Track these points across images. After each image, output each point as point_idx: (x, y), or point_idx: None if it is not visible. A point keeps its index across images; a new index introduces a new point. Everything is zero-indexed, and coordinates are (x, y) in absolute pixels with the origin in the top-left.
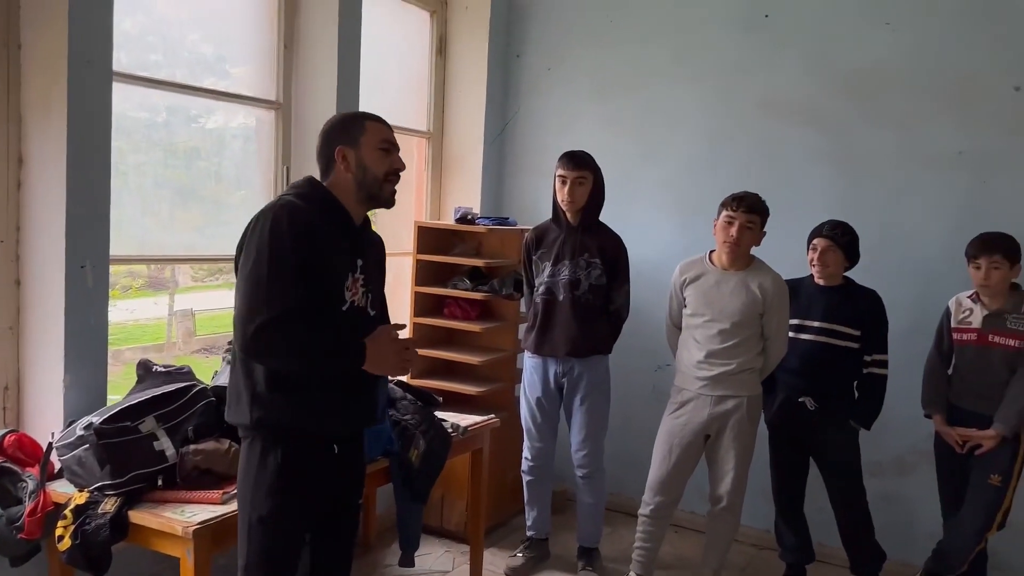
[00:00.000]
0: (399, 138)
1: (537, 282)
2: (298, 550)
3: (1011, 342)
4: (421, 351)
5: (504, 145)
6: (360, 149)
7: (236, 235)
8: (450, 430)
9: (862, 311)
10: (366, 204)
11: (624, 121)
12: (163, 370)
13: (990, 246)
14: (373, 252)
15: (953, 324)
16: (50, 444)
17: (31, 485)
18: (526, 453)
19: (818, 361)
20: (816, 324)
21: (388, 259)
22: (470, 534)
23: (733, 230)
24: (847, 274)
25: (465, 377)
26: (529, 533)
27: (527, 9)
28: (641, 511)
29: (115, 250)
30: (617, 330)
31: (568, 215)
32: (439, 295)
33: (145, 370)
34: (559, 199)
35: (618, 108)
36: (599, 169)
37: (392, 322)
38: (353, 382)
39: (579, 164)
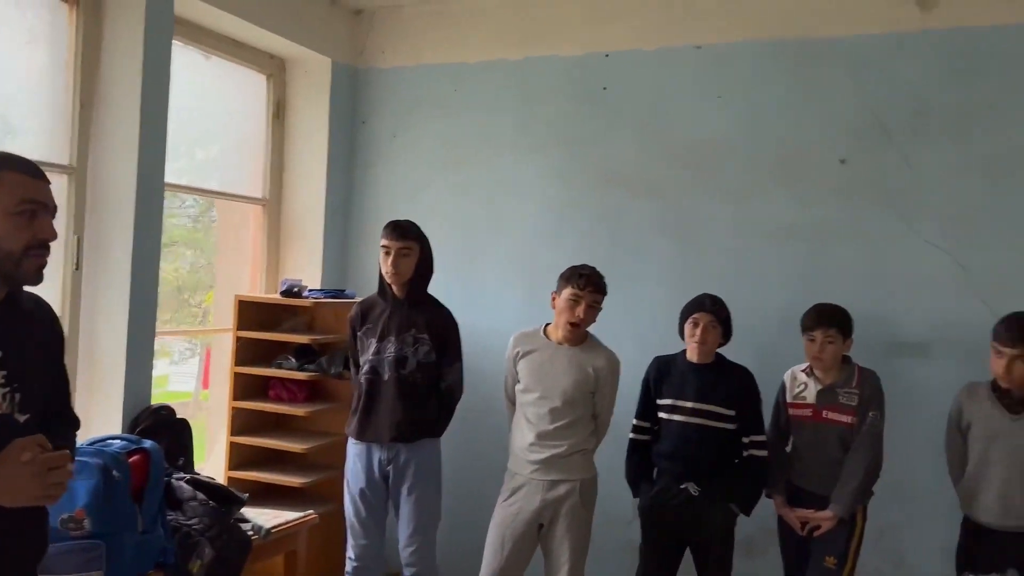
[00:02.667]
0: (228, 206)
1: (362, 360)
2: None
3: (844, 418)
4: (242, 439)
5: (349, 213)
6: None
7: None
8: (250, 532)
9: (736, 390)
10: (3, 282)
11: (472, 190)
12: None
13: (826, 319)
14: (25, 336)
15: (789, 399)
16: None
17: None
18: (349, 552)
19: (694, 443)
20: (690, 405)
21: (213, 337)
22: None
23: (579, 310)
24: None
25: (293, 466)
26: None
27: (371, 75)
28: None
29: None
30: (450, 411)
31: (394, 288)
32: (262, 376)
33: None
34: (383, 271)
35: (466, 177)
36: (426, 239)
37: (69, 417)
38: None
39: (403, 234)
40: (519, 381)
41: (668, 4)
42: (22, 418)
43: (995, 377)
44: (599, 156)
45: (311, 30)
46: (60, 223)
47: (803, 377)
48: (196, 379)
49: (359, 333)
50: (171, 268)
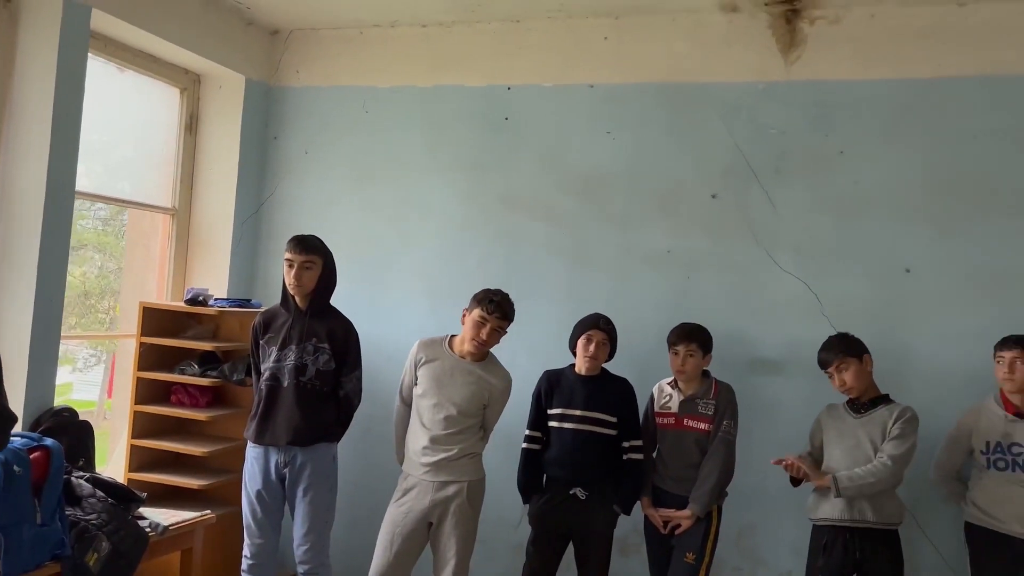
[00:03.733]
0: (137, 214)
1: (263, 367)
2: None
3: (702, 425)
4: (143, 442)
5: (259, 226)
6: None
7: None
8: (147, 529)
9: (618, 399)
10: None
11: (379, 208)
12: None
13: (688, 335)
14: None
15: (656, 408)
16: None
17: None
18: (246, 551)
19: (582, 449)
20: (578, 413)
21: (118, 341)
22: None
23: (484, 332)
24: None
25: (194, 469)
26: None
27: (285, 93)
28: None
29: None
30: (347, 417)
31: (296, 299)
32: (166, 381)
33: None
34: (287, 283)
35: (373, 195)
36: (329, 253)
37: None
38: None
39: (306, 248)
40: (417, 385)
41: (566, 45)
42: None
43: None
44: (500, 181)
45: (226, 48)
46: None
47: (668, 389)
48: (101, 388)
49: (261, 341)
50: (79, 272)
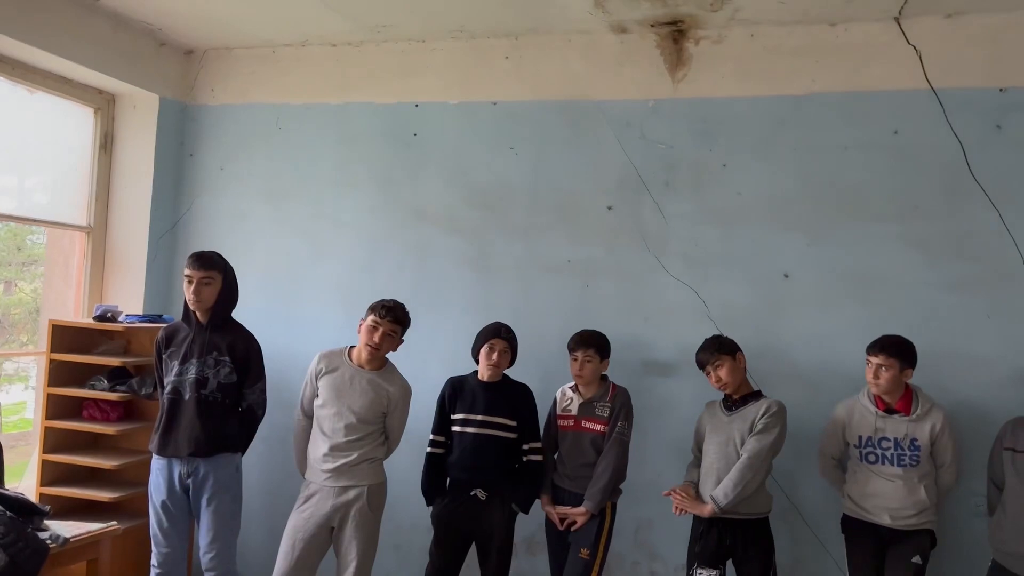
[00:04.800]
0: (56, 232)
1: (166, 381)
2: None
3: (597, 427)
4: (54, 457)
5: (176, 242)
6: None
7: None
8: (48, 541)
9: (517, 403)
10: None
11: (293, 222)
12: None
13: (585, 341)
14: None
15: (558, 412)
16: None
17: None
18: (153, 560)
19: (483, 452)
20: (479, 418)
21: (21, 360)
22: None
23: (377, 336)
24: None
25: (106, 482)
26: None
27: (200, 111)
28: None
29: None
30: (252, 428)
31: (197, 314)
32: (78, 396)
33: None
34: (187, 298)
35: (289, 209)
36: (230, 268)
37: None
38: None
39: (205, 264)
40: (318, 396)
41: (469, 64)
42: None
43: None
44: (409, 195)
45: (139, 68)
46: None
47: (570, 393)
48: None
49: (164, 356)
50: (30, 288)
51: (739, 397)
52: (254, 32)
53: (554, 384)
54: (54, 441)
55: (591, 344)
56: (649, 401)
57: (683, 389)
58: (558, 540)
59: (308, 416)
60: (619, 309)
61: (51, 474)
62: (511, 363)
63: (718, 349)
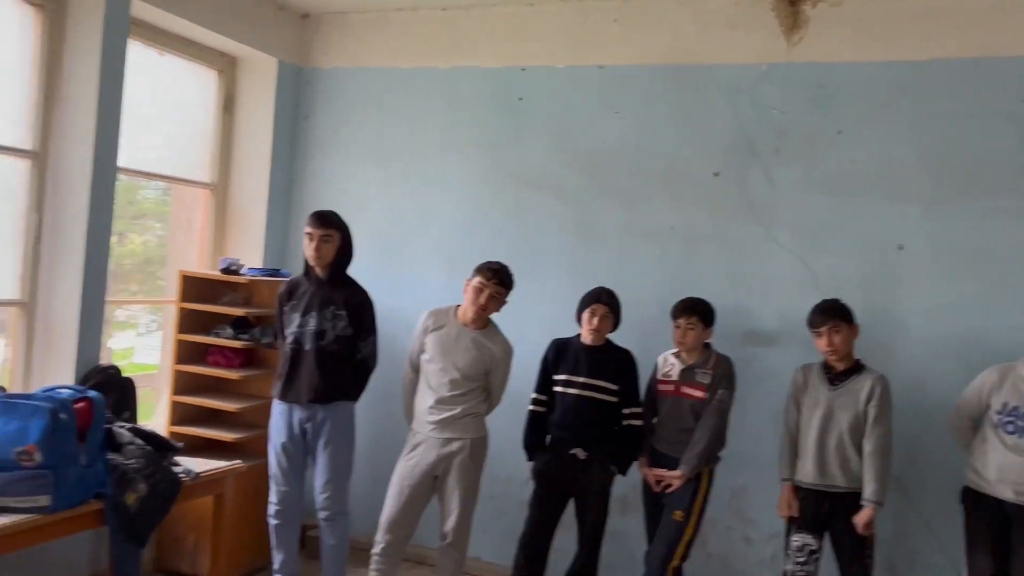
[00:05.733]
0: (181, 189)
1: (287, 332)
2: None
3: (697, 393)
4: (182, 399)
5: (291, 201)
6: None
7: None
8: (181, 475)
9: (620, 368)
10: None
11: (400, 184)
12: None
13: (689, 308)
14: None
15: (658, 377)
16: None
17: None
18: (272, 497)
19: (583, 413)
20: (582, 380)
21: (131, 307)
22: (209, 575)
23: (483, 297)
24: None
25: (229, 424)
26: (276, 575)
27: (314, 74)
28: (373, 550)
29: None
30: (364, 378)
31: (317, 270)
32: (203, 343)
33: None
34: (307, 255)
35: (395, 172)
36: (347, 227)
37: None
38: None
39: (325, 223)
40: (424, 352)
41: (577, 28)
42: None
43: (823, 354)
44: (512, 159)
45: (260, 32)
46: (19, 202)
47: (672, 359)
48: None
49: (285, 308)
50: (140, 240)
51: (843, 369)
52: None
53: (653, 350)
54: (182, 384)
55: (695, 311)
56: (749, 371)
57: (785, 360)
58: (653, 501)
59: (415, 370)
60: (721, 277)
61: (179, 414)
62: (614, 328)
63: (838, 313)
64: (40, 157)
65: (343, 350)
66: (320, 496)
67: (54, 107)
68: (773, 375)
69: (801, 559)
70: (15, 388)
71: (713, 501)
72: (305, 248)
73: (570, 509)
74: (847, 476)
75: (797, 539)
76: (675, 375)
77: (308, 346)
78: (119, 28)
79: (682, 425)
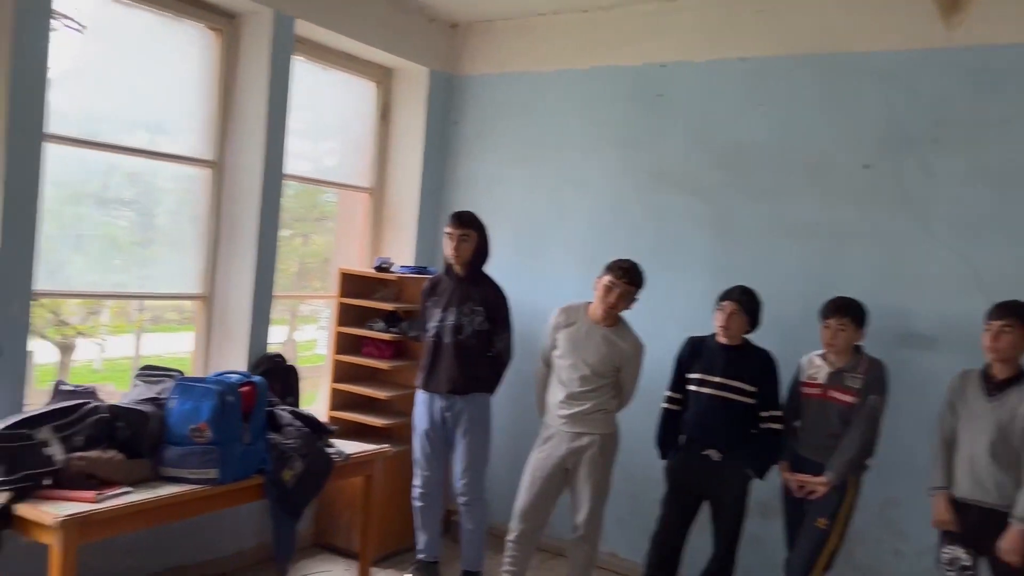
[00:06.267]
0: (349, 196)
1: (430, 326)
2: None
3: (847, 398)
4: (340, 386)
5: (441, 202)
6: None
7: (168, 277)
8: (334, 455)
9: (758, 370)
10: None
11: (542, 184)
12: (70, 388)
13: (841, 309)
14: None
15: (803, 379)
16: None
17: None
18: (416, 480)
19: (718, 414)
20: (717, 380)
21: (313, 303)
22: (360, 552)
23: (612, 295)
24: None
25: (380, 411)
26: (419, 556)
27: (463, 81)
28: (508, 537)
29: (47, 286)
30: (500, 372)
31: (456, 268)
32: (358, 335)
33: (56, 388)
34: (447, 253)
35: (536, 172)
36: (484, 227)
37: None
38: None
39: (463, 223)
40: (556, 348)
41: (718, 21)
42: None
43: (985, 352)
44: (651, 157)
45: (413, 44)
46: (202, 207)
47: (818, 361)
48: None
49: (428, 303)
50: (320, 241)
51: (1004, 378)
52: (512, 4)
53: (795, 351)
54: (340, 373)
55: (847, 312)
56: (903, 376)
57: (942, 365)
58: (795, 507)
59: (547, 365)
60: (872, 275)
61: (338, 400)
62: (751, 328)
63: (1015, 312)
64: (218, 166)
65: (479, 344)
66: (459, 482)
67: (229, 120)
68: (929, 381)
69: (952, 574)
70: (197, 372)
71: (861, 511)
72: (445, 247)
73: (705, 510)
74: (1000, 492)
75: (948, 552)
76: (822, 378)
77: (447, 339)
78: (285, 47)
79: (828, 430)
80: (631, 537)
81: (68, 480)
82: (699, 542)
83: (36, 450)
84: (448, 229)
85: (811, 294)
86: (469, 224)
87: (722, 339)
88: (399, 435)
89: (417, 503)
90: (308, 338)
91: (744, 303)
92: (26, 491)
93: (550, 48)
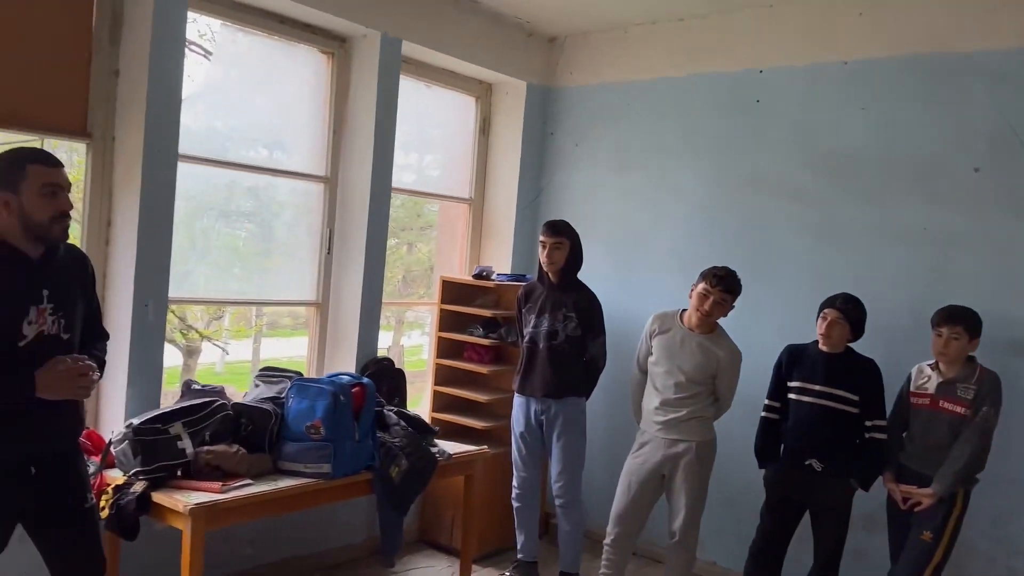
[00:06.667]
0: (450, 206)
1: (524, 332)
2: None
3: (958, 409)
4: (442, 389)
5: (538, 212)
6: (21, 195)
7: (289, 285)
8: (437, 455)
9: (861, 379)
10: (41, 242)
11: (637, 192)
12: (199, 387)
13: (954, 317)
14: (66, 276)
15: (912, 388)
16: (109, 440)
17: (92, 469)
18: (514, 482)
19: (819, 423)
20: (818, 388)
21: (418, 309)
22: (461, 550)
23: (707, 304)
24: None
25: (480, 413)
26: (519, 556)
27: (559, 93)
28: (605, 540)
29: (176, 294)
30: (594, 376)
31: (549, 275)
32: (459, 340)
33: (186, 387)
34: (541, 261)
35: (633, 180)
36: (576, 235)
37: (101, 332)
38: (35, 409)
39: (557, 231)
40: (651, 354)
41: (818, 25)
42: (66, 336)
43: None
44: (748, 162)
45: (511, 59)
46: (316, 218)
47: (928, 371)
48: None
49: (523, 310)
50: (426, 250)
51: None
52: (609, 16)
53: (901, 360)
54: (442, 376)
55: (960, 321)
56: (1017, 387)
57: None
58: (900, 520)
59: (643, 371)
60: (984, 283)
61: (440, 402)
62: (854, 337)
63: None
64: (331, 181)
65: (573, 349)
66: (555, 484)
67: (341, 138)
68: None
69: None
70: (311, 374)
71: (971, 526)
72: (539, 255)
73: (806, 520)
74: None
75: None
76: (932, 388)
77: (542, 345)
78: (392, 67)
79: (937, 441)
80: (730, 546)
81: (197, 471)
82: (799, 553)
83: (170, 443)
84: (542, 237)
85: (918, 302)
86: (562, 232)
87: (823, 347)
88: (498, 437)
89: (515, 503)
90: (414, 343)
91: (847, 312)
92: (160, 481)
93: (646, 57)
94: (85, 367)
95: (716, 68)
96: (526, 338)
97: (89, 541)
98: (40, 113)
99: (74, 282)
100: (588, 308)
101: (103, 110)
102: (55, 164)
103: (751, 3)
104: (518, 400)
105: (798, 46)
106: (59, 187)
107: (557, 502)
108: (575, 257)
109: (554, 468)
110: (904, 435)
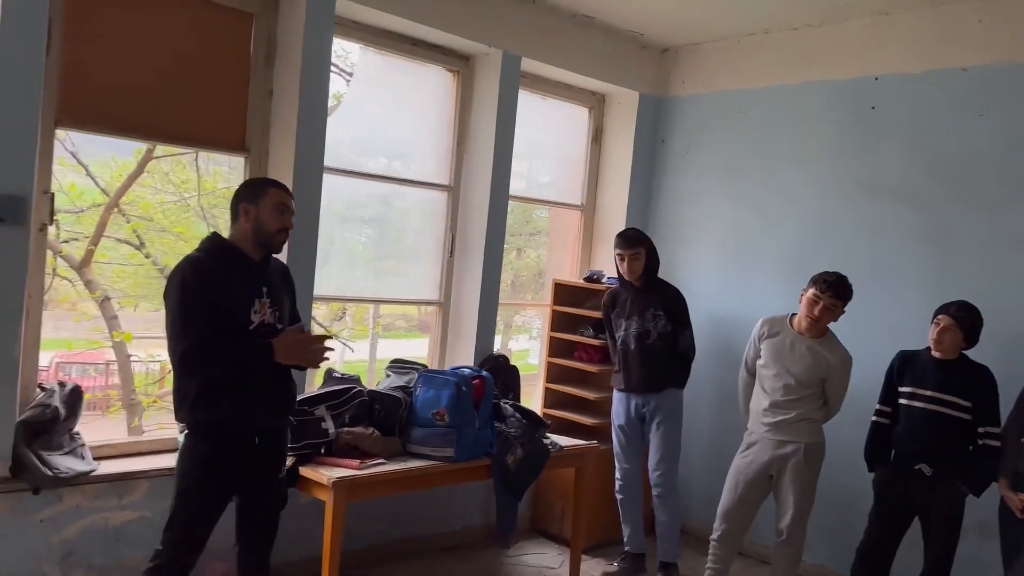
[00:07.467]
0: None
1: (617, 335)
2: (211, 518)
3: None
4: (553, 386)
5: (647, 217)
6: (260, 208)
7: (414, 286)
8: (550, 446)
9: (973, 385)
10: (263, 248)
11: (747, 197)
12: (339, 376)
13: None
14: (277, 278)
15: None
16: None
17: None
18: (617, 474)
19: (930, 428)
20: (928, 393)
21: (533, 310)
22: (571, 540)
23: (817, 309)
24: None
25: (589, 410)
26: (626, 548)
27: (671, 102)
28: (712, 536)
29: (322, 292)
30: (686, 367)
31: (632, 281)
32: (569, 341)
33: (328, 375)
34: (621, 271)
35: (742, 186)
36: (650, 240)
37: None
38: (265, 383)
39: (631, 244)
40: (760, 357)
41: (936, 32)
42: (280, 326)
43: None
44: (862, 168)
45: (624, 70)
46: (440, 225)
47: None
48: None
49: (611, 315)
50: (534, 255)
51: None
52: (722, 27)
53: (1018, 368)
54: (553, 374)
55: None
56: None
57: None
58: (1014, 528)
59: (751, 373)
60: None
61: (551, 399)
62: (968, 345)
63: None
64: (453, 190)
65: (665, 345)
66: (653, 474)
67: (464, 149)
68: None
69: None
70: (434, 366)
71: None
72: (618, 266)
73: (916, 526)
74: None
75: None
76: None
77: (633, 346)
78: (512, 83)
79: None
80: (839, 549)
81: (338, 450)
82: (909, 557)
83: (315, 424)
84: (618, 251)
85: None
86: (637, 243)
87: (935, 353)
88: (606, 433)
89: (618, 495)
90: (522, 348)
91: (960, 319)
92: (307, 457)
93: (759, 65)
94: (316, 337)
95: (830, 76)
96: (619, 341)
97: (273, 508)
98: (206, 131)
99: (282, 284)
100: (675, 304)
101: (259, 127)
102: (287, 191)
103: (866, 11)
104: (618, 396)
105: (914, 53)
106: (288, 208)
107: (655, 492)
108: (653, 260)
109: (652, 458)
110: (1023, 441)
